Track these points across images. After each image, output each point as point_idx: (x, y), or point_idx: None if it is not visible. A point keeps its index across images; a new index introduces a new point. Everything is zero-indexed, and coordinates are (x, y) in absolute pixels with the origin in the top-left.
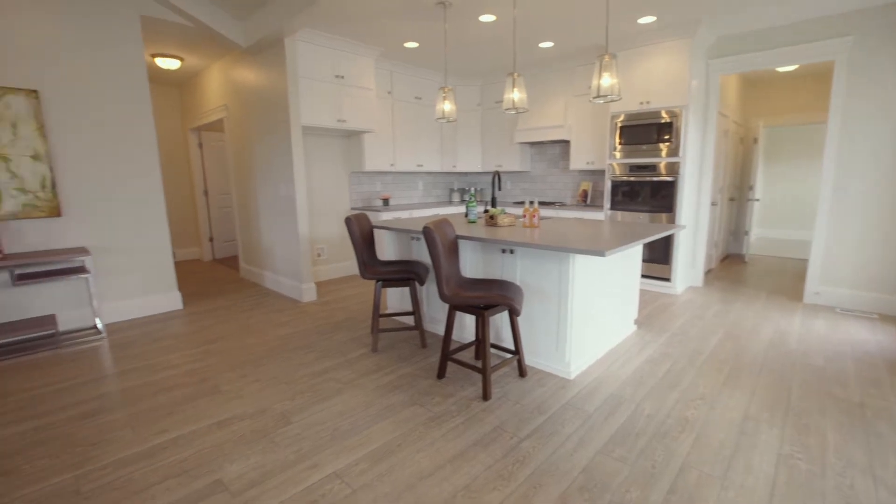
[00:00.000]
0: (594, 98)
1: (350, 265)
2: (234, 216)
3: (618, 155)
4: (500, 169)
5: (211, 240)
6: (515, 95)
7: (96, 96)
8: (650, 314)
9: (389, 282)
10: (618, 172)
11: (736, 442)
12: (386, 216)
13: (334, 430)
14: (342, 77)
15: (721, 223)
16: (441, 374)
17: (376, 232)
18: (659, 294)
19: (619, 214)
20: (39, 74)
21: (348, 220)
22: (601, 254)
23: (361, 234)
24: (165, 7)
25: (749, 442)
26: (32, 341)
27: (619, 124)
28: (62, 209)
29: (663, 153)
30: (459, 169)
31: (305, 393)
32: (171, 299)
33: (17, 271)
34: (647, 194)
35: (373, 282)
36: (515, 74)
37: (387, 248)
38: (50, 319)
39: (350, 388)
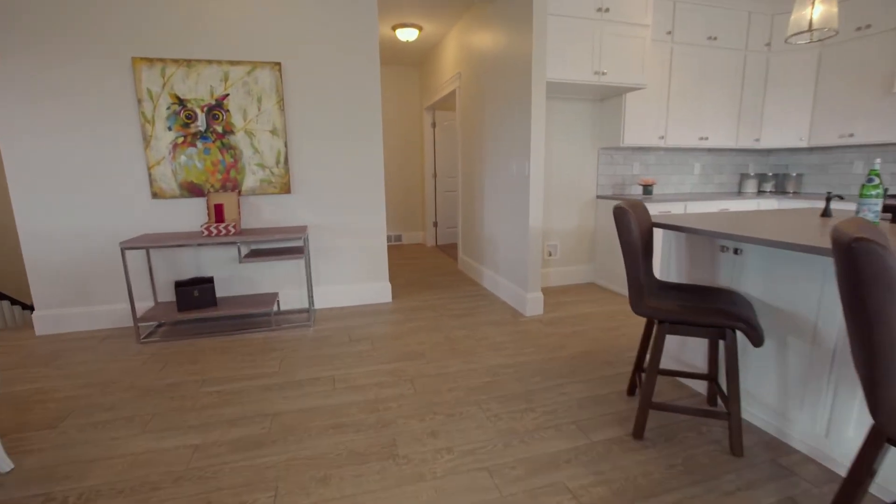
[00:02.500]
0: None
1: (588, 271)
2: (457, 199)
3: None
4: (849, 141)
5: (435, 225)
6: None
7: (328, 69)
8: None
9: (683, 327)
10: None
11: None
12: (651, 210)
13: None
14: (606, 10)
15: None
16: None
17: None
18: None
19: None
20: (281, 46)
21: (621, 211)
22: None
23: (641, 234)
24: None
25: None
26: (254, 317)
27: None
28: (292, 186)
29: None
30: (765, 144)
31: None
32: (380, 290)
33: (252, 246)
34: None
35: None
36: None
37: (665, 262)
38: (271, 298)
39: None
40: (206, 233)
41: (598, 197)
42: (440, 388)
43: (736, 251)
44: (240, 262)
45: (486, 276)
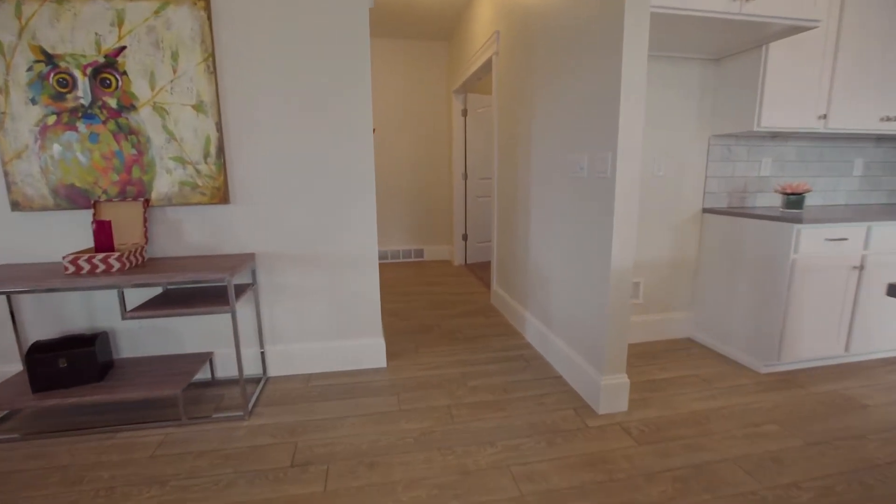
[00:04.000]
0: None
1: (685, 321)
2: (491, 207)
3: None
4: None
5: (464, 238)
6: None
7: (290, 10)
8: None
9: None
10: None
11: None
12: (811, 235)
13: None
14: None
15: None
16: None
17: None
18: None
19: None
20: None
21: None
22: None
23: None
24: None
25: None
26: (159, 404)
27: None
28: (232, 193)
29: None
30: None
31: None
32: (369, 350)
33: (167, 285)
34: None
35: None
36: None
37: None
38: (195, 363)
39: None
40: (70, 269)
41: (706, 211)
42: None
43: None
44: (128, 316)
45: (531, 327)
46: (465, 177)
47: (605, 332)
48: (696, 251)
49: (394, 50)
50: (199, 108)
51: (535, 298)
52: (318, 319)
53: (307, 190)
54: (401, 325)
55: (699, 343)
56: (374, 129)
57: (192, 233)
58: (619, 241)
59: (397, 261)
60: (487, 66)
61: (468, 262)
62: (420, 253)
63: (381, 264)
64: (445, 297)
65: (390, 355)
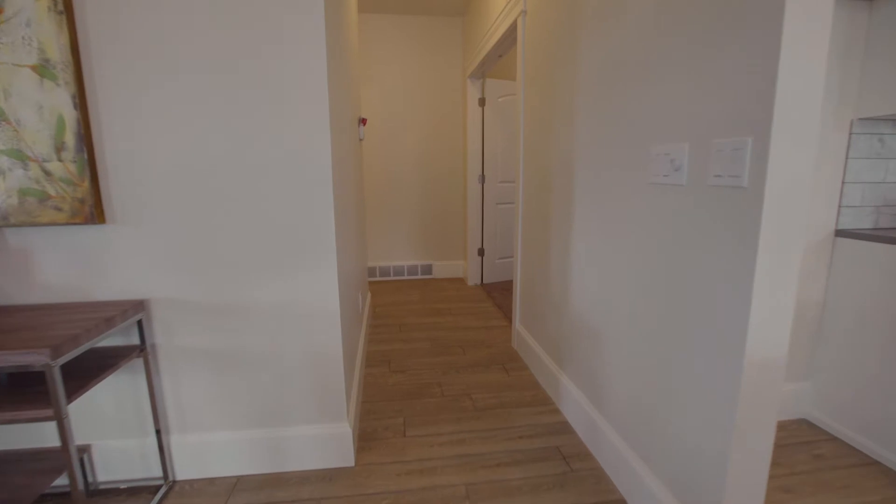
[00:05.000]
0: None
1: (801, 394)
2: (514, 218)
3: None
4: None
5: (481, 253)
6: None
7: None
8: None
9: None
10: None
11: None
12: None
13: None
14: None
15: None
16: None
17: None
18: None
19: None
20: None
21: None
22: None
23: None
24: None
25: None
26: None
27: None
28: (107, 206)
29: None
30: None
31: None
32: (329, 443)
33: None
34: None
35: None
36: None
37: None
38: (54, 466)
39: None
40: None
41: (842, 234)
42: None
43: None
44: None
45: (569, 398)
46: (482, 179)
47: (725, 468)
48: (822, 293)
49: (397, 28)
50: (42, 70)
51: (577, 357)
52: (251, 398)
53: (232, 202)
54: (389, 383)
55: (821, 429)
56: (362, 120)
57: (47, 269)
58: (764, 308)
59: (401, 278)
60: (511, 32)
61: (484, 281)
62: (428, 269)
63: (382, 283)
64: (454, 335)
65: (364, 442)
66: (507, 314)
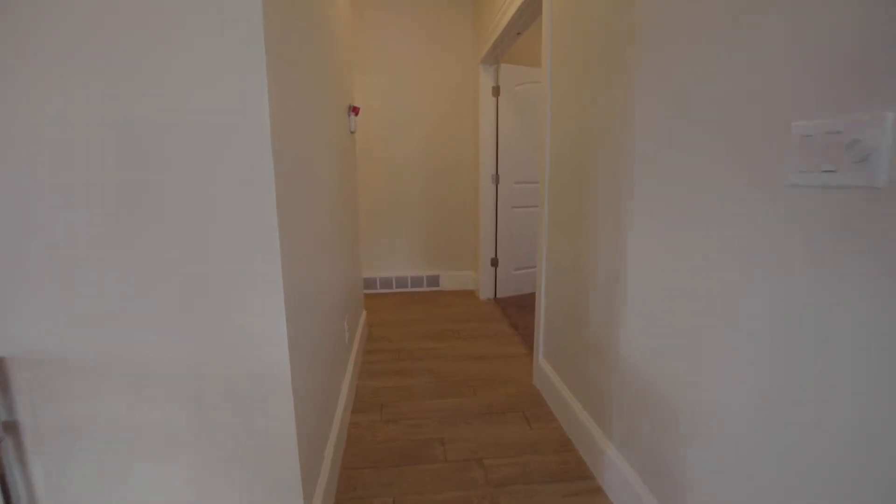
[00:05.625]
0: None
1: None
2: (535, 225)
3: None
4: None
5: (494, 264)
6: None
7: None
8: None
9: None
10: None
11: None
12: None
13: None
14: None
15: None
16: None
17: None
18: None
19: None
20: None
21: None
22: None
23: None
24: None
25: None
26: None
27: None
28: None
29: None
30: None
31: None
32: None
33: None
34: None
35: None
36: None
37: None
38: None
39: None
40: None
41: None
42: None
43: None
44: None
45: (616, 476)
46: (496, 179)
47: None
48: None
49: (400, 7)
50: None
51: (633, 428)
52: (165, 492)
53: (136, 218)
54: (378, 439)
55: None
56: (354, 109)
57: None
58: None
59: (404, 290)
60: (532, 8)
61: (498, 295)
62: (435, 280)
63: (382, 295)
64: (462, 366)
65: None
66: (526, 338)
